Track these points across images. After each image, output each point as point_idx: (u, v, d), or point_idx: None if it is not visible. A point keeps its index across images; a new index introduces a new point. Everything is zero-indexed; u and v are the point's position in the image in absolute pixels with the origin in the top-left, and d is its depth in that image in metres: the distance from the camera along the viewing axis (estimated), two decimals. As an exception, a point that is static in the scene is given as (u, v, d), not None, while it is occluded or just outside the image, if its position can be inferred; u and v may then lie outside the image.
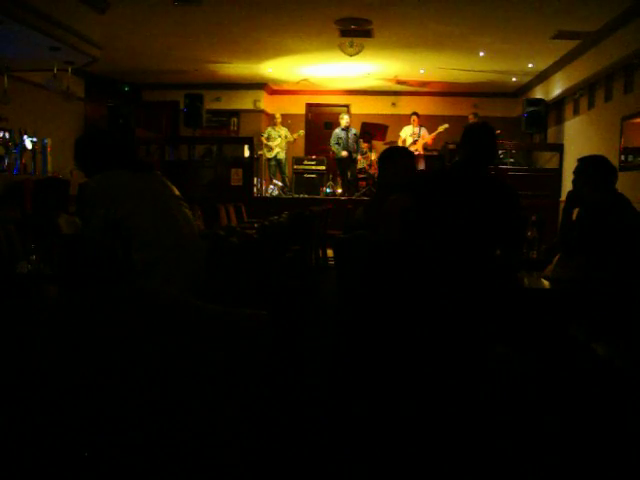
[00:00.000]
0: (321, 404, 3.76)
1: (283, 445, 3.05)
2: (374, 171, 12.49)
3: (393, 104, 15.26)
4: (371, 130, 12.81)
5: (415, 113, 13.03)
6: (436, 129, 12.86)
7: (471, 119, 12.70)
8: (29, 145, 9.23)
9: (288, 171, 13.99)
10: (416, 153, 12.55)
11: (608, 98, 10.10)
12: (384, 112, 14.84)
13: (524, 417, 3.40)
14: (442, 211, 3.42)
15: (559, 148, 12.17)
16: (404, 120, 13.40)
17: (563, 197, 11.06)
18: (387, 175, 4.14)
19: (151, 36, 10.49)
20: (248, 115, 15.03)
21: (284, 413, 3.45)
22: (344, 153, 12.84)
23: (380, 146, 13.42)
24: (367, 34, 10.08)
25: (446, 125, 12.61)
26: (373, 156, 12.95)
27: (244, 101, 14.96)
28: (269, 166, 13.67)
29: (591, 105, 10.88)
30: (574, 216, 4.22)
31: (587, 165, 4.16)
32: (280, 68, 12.97)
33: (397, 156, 4.21)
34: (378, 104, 15.16)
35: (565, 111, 12.38)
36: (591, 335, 3.33)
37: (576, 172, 4.20)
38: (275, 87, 15.16)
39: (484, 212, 3.38)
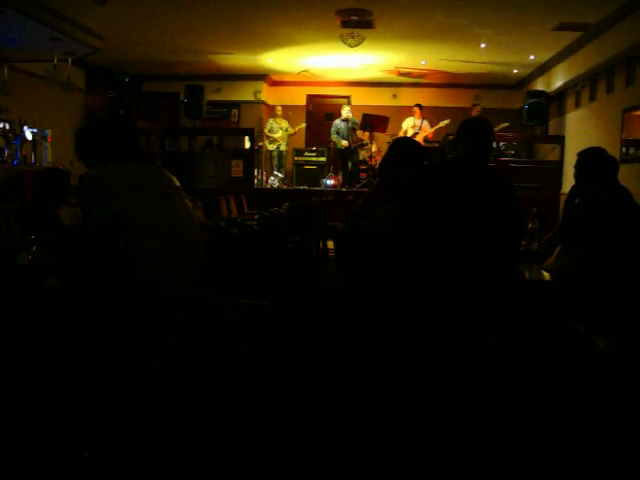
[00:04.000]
0: (322, 394, 3.77)
1: (284, 436, 3.06)
2: (375, 162, 12.48)
3: (394, 96, 15.23)
4: (372, 121, 12.78)
5: (418, 105, 12.99)
6: (436, 121, 12.81)
7: (476, 110, 12.67)
8: (29, 136, 9.21)
9: (289, 163, 14.00)
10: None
11: (609, 90, 10.08)
12: (385, 104, 14.81)
13: (523, 410, 3.40)
14: (443, 206, 3.42)
15: (560, 140, 12.15)
16: (405, 112, 13.38)
17: (564, 189, 11.06)
18: (393, 165, 4.10)
19: (151, 27, 10.46)
20: (248, 106, 15.00)
21: (285, 403, 3.46)
22: (344, 142, 12.83)
23: (381, 138, 13.41)
24: (368, 25, 10.05)
25: (447, 121, 12.54)
26: (374, 147, 12.93)
27: (244, 92, 14.93)
28: (271, 157, 13.68)
29: (592, 97, 10.86)
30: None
31: (586, 158, 4.17)
32: (281, 59, 12.94)
33: (409, 149, 4.16)
34: (379, 96, 15.12)
35: (566, 103, 12.35)
36: (591, 327, 3.33)
37: (577, 166, 4.22)
38: (276, 78, 15.13)
39: (485, 206, 3.39)
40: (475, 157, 3.50)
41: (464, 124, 3.64)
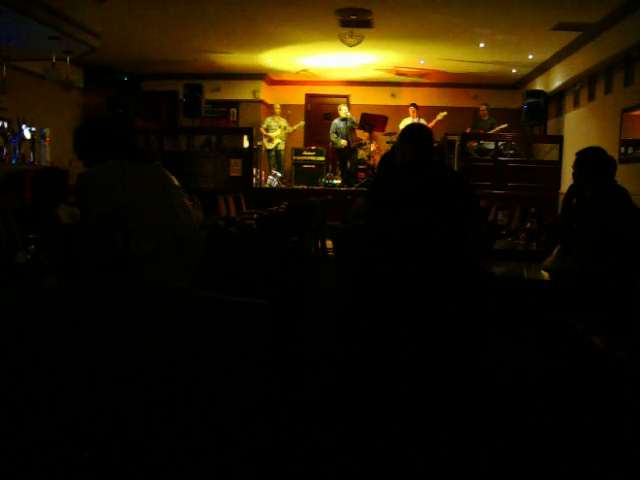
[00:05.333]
0: (321, 392, 3.77)
1: (284, 434, 3.06)
2: (373, 162, 12.48)
3: (393, 95, 15.23)
4: (371, 121, 12.79)
5: (413, 104, 13.00)
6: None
7: (483, 110, 12.75)
8: (28, 135, 9.20)
9: (288, 162, 13.99)
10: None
11: (608, 90, 10.08)
12: (384, 103, 14.82)
13: (522, 409, 3.41)
14: (405, 209, 3.60)
15: (559, 140, 12.15)
16: (404, 111, 13.37)
17: (563, 189, 11.07)
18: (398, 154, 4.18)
19: (150, 26, 10.46)
20: (247, 105, 14.99)
21: (284, 401, 3.46)
22: (343, 142, 12.83)
23: (380, 137, 13.42)
24: (367, 24, 10.06)
25: (445, 113, 12.61)
26: (373, 147, 12.94)
27: (243, 91, 14.92)
28: (269, 157, 13.66)
29: (591, 97, 10.86)
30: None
31: (584, 158, 4.18)
32: (280, 58, 12.94)
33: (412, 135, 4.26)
34: (378, 95, 15.13)
35: (565, 103, 12.36)
36: (590, 327, 3.33)
37: (575, 165, 4.23)
38: (275, 77, 15.13)
39: (445, 202, 3.62)
40: (422, 161, 3.75)
41: (407, 131, 3.98)
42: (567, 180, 9.36)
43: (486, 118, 12.80)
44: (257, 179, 13.03)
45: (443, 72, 13.81)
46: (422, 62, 13.00)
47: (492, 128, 12.62)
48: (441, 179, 3.71)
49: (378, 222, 3.71)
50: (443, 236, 3.53)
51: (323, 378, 4.04)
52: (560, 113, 12.62)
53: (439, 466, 2.90)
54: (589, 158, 4.15)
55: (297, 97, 15.48)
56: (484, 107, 12.87)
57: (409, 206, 3.57)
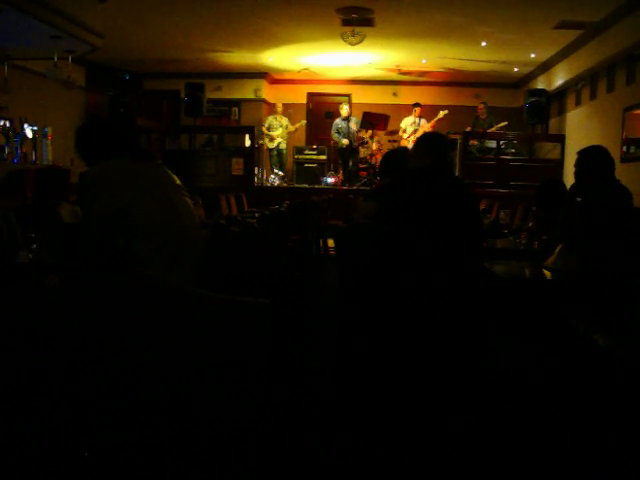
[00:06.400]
0: (322, 394, 3.77)
1: (286, 432, 3.06)
2: (375, 161, 12.48)
3: (394, 94, 15.23)
4: (372, 120, 12.78)
5: (417, 104, 12.99)
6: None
7: (481, 108, 12.74)
8: (30, 134, 9.21)
9: (289, 161, 13.97)
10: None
11: (610, 89, 10.07)
12: (385, 102, 14.81)
13: (523, 408, 3.40)
14: (413, 210, 3.60)
15: (561, 139, 12.13)
16: (405, 110, 13.37)
17: (564, 188, 11.03)
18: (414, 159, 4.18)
19: (152, 25, 10.46)
20: (249, 104, 15.00)
21: (287, 401, 3.46)
22: (345, 141, 12.82)
23: (382, 136, 13.40)
24: (369, 23, 10.05)
25: (445, 111, 12.58)
26: (374, 146, 12.93)
27: (245, 90, 14.92)
28: (270, 156, 13.66)
29: (593, 96, 10.85)
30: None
31: (585, 156, 4.17)
32: (281, 57, 12.94)
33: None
34: (379, 94, 15.12)
35: (567, 102, 12.34)
36: (591, 326, 3.33)
37: (577, 165, 4.23)
38: (276, 76, 15.12)
39: (448, 209, 3.64)
40: (440, 170, 3.76)
41: (425, 140, 3.96)
42: (569, 179, 9.34)
43: (485, 117, 12.77)
44: (259, 178, 13.01)
45: (445, 71, 13.80)
46: (424, 61, 12.99)
47: (491, 127, 12.58)
48: (452, 191, 3.72)
49: (387, 223, 3.71)
50: (445, 240, 3.53)
51: (324, 378, 4.04)
52: (562, 112, 12.60)
53: (440, 465, 2.90)
54: (590, 157, 4.15)
55: (299, 96, 15.47)
56: (482, 106, 12.84)
57: (417, 210, 3.58)
